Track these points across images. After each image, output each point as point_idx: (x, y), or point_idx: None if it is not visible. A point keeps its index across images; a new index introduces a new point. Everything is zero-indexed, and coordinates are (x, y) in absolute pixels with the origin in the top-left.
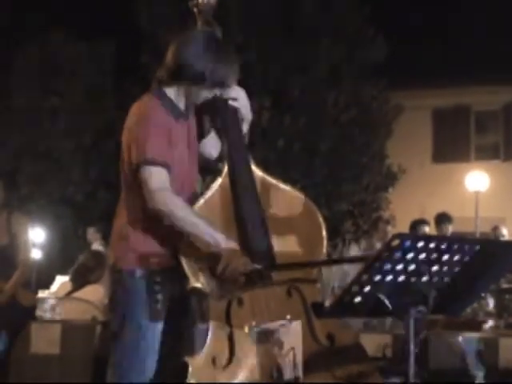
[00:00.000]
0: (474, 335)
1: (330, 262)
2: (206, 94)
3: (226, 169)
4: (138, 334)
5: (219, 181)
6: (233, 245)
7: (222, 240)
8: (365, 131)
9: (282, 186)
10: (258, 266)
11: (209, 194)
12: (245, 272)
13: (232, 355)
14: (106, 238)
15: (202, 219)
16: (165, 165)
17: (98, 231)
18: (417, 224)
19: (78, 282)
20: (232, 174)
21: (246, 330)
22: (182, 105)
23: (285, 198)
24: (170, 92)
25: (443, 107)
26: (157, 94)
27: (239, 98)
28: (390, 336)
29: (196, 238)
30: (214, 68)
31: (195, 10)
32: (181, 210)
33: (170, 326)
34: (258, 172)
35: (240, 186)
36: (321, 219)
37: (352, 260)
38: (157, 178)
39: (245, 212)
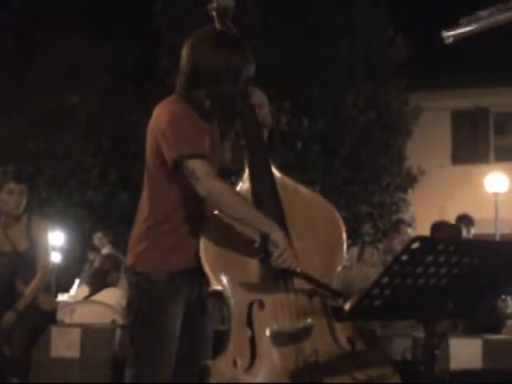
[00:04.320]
0: (495, 337)
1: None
2: (227, 92)
3: (246, 173)
4: (153, 338)
5: (240, 185)
6: (286, 237)
7: (275, 227)
8: (384, 133)
9: (302, 188)
10: (299, 270)
11: None
12: (294, 268)
13: (254, 358)
14: (113, 241)
15: (254, 207)
16: (204, 156)
17: (104, 236)
18: (439, 226)
19: (96, 286)
20: (253, 178)
21: (268, 332)
22: (206, 107)
23: (305, 200)
24: (195, 94)
25: (462, 109)
26: (182, 96)
27: (264, 105)
28: (410, 339)
29: (248, 223)
30: (228, 62)
31: (213, 13)
32: (232, 195)
33: (189, 329)
34: (278, 174)
35: (261, 190)
36: (341, 222)
37: None
38: (202, 167)
39: (266, 216)
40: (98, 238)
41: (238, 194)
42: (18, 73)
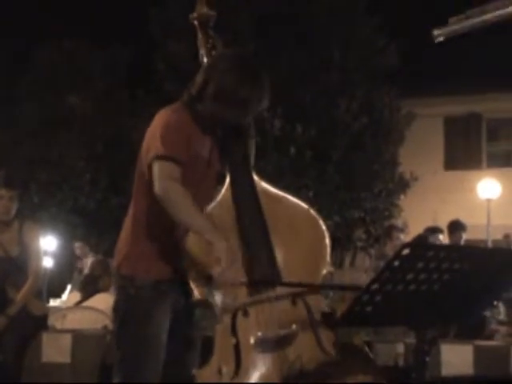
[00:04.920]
0: (486, 343)
1: (330, 286)
2: (231, 117)
3: (228, 181)
4: (139, 343)
5: (222, 193)
6: (231, 251)
7: (220, 237)
8: (377, 139)
9: (285, 196)
10: (244, 281)
11: (212, 205)
12: (241, 282)
13: (239, 366)
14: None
15: (203, 216)
16: (178, 162)
17: (86, 244)
18: (431, 232)
19: (87, 292)
20: (234, 187)
21: (252, 340)
22: (209, 122)
23: (287, 208)
24: (200, 107)
25: (455, 115)
26: (185, 105)
27: None
28: (402, 345)
29: (195, 230)
30: (238, 88)
31: (195, 22)
32: (184, 201)
33: (177, 336)
34: (260, 183)
35: (242, 199)
36: (324, 229)
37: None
38: (167, 169)
39: (248, 224)
40: (79, 247)
41: (191, 201)
42: (13, 76)
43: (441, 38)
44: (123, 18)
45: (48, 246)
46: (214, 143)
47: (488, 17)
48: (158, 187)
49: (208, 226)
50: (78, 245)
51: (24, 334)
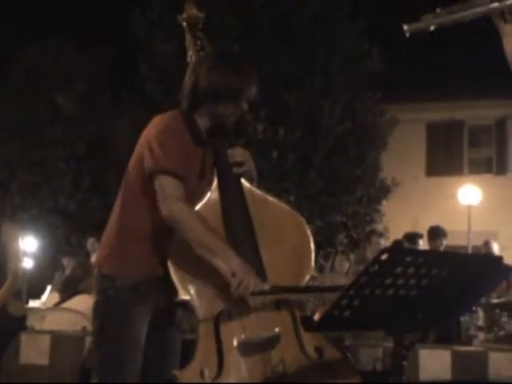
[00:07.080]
0: (464, 348)
1: (328, 288)
2: (229, 111)
3: (215, 183)
4: (117, 345)
5: (209, 194)
6: (244, 263)
7: (234, 257)
8: (359, 144)
9: (271, 199)
10: (265, 287)
11: (199, 206)
12: (254, 292)
13: (221, 368)
14: None
15: (214, 234)
16: (180, 176)
17: (97, 241)
18: (411, 237)
19: (67, 293)
20: (221, 189)
21: (235, 342)
22: (205, 133)
23: (274, 211)
24: (196, 117)
25: (437, 121)
26: (182, 114)
27: (244, 162)
28: (381, 349)
29: (205, 251)
30: (228, 80)
31: (184, 24)
32: (193, 221)
33: (156, 338)
34: (246, 185)
35: (229, 201)
36: (309, 232)
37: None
38: (174, 187)
39: (234, 226)
40: (90, 243)
41: (201, 220)
42: None
43: (409, 33)
44: (107, 19)
45: (28, 246)
46: (207, 155)
47: (456, 16)
48: (164, 210)
49: (219, 245)
50: (90, 240)
51: (2, 335)
